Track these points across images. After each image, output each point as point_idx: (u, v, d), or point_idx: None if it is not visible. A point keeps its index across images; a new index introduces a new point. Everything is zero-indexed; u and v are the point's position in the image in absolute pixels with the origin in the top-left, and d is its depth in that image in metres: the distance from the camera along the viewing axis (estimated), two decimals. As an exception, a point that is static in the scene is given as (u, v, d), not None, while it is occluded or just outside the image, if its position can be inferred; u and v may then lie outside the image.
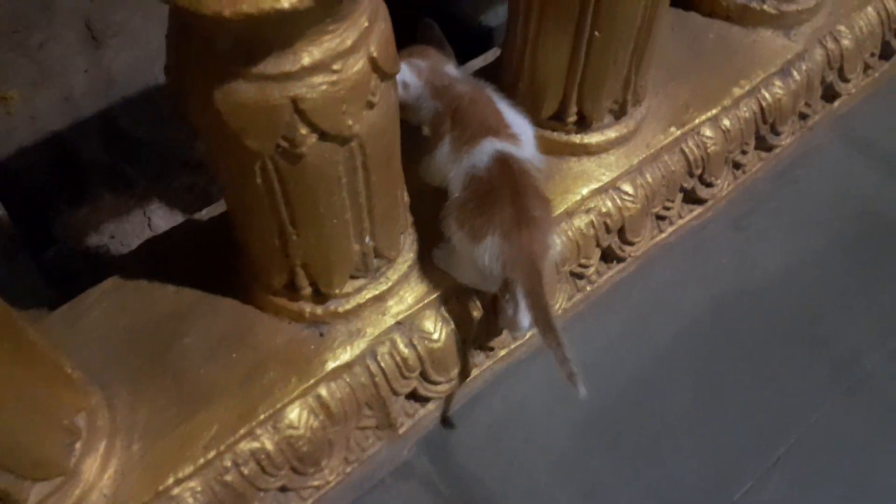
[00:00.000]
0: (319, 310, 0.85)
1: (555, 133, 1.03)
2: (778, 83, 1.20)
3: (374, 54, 0.64)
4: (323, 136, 0.65)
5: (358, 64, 0.63)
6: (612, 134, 1.03)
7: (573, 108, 0.99)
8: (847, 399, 1.03)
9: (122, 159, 1.51)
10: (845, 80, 1.33)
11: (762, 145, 1.26)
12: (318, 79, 0.61)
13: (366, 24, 0.63)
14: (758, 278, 1.16)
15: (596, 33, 0.89)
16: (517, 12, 0.94)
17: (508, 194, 0.80)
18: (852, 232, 1.22)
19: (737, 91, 1.16)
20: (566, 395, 0.82)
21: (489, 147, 0.82)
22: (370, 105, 0.67)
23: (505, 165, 0.82)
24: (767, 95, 1.19)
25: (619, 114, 1.03)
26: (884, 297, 1.14)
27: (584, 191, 1.02)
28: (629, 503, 0.94)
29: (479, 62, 1.32)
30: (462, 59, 1.35)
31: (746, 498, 0.94)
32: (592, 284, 1.11)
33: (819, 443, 0.98)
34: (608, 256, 1.11)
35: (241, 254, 0.85)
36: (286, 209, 0.71)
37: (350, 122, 0.65)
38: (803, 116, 1.30)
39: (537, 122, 1.02)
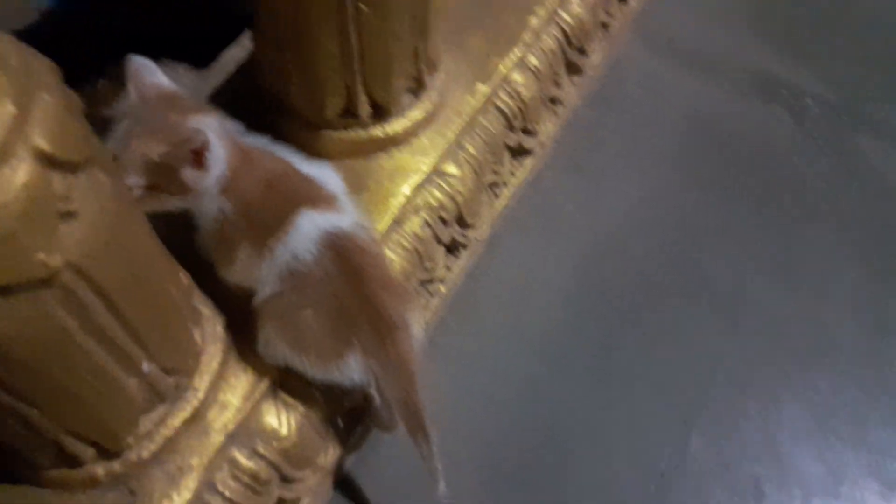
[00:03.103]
0: (117, 465, 0.63)
1: (350, 131, 0.84)
2: (573, -1, 1.08)
3: (45, 147, 0.42)
4: (6, 291, 0.42)
5: (20, 171, 0.41)
6: (416, 114, 0.87)
7: (363, 99, 0.81)
8: (739, 335, 0.98)
9: None
10: (635, -24, 1.23)
11: (573, 70, 1.14)
12: (-41, 219, 0.39)
13: (12, 109, 0.40)
14: (610, 222, 1.07)
15: (362, 6, 0.71)
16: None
17: (358, 302, 0.65)
18: (685, 141, 1.16)
19: (534, 21, 1.03)
20: (454, 438, 0.72)
21: (309, 226, 0.64)
22: (68, 215, 0.45)
23: (340, 256, 0.64)
24: (566, 16, 1.07)
25: (418, 89, 0.86)
26: (733, 204, 1.09)
27: (406, 189, 0.86)
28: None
29: (236, 52, 1.09)
30: (218, 46, 1.11)
31: (672, 468, 0.87)
32: (445, 283, 0.97)
33: (723, 390, 0.93)
34: (452, 248, 0.96)
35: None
36: (9, 395, 0.49)
37: (42, 257, 0.43)
38: (605, 26, 1.19)
39: (325, 123, 0.83)
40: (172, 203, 0.65)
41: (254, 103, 0.83)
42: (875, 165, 1.15)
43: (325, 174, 0.70)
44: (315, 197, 0.66)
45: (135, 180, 0.62)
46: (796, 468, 0.89)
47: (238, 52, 1.09)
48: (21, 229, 0.41)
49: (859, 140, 1.17)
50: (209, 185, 0.63)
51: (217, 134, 0.64)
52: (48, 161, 0.42)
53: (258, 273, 0.66)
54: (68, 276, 0.46)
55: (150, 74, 0.65)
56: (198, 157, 0.62)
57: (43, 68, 0.45)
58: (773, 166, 1.14)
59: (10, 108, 0.40)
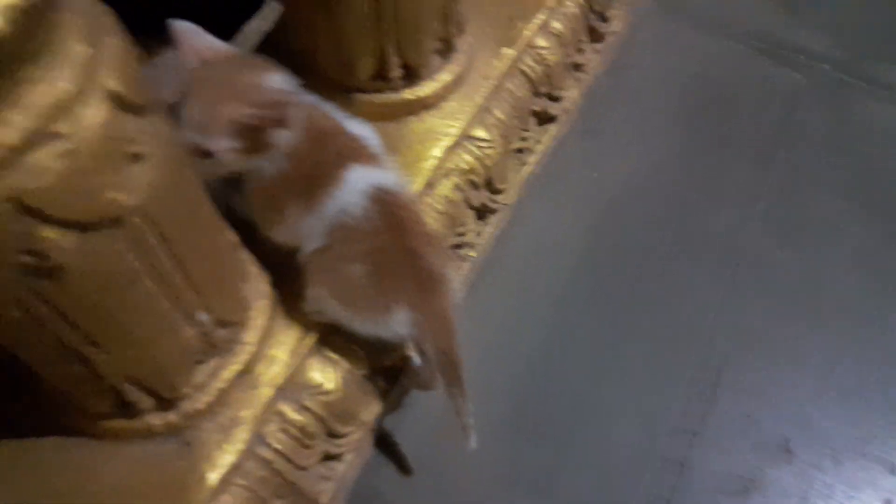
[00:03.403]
0: (172, 416, 0.65)
1: (382, 95, 0.86)
2: (592, -36, 1.09)
3: (116, 87, 0.44)
4: (82, 228, 0.44)
5: (95, 110, 0.42)
6: (446, 77, 0.88)
7: (395, 61, 0.82)
8: (757, 294, 0.98)
9: None
10: (651, -57, 1.24)
11: (595, 37, 1.15)
12: (42, 154, 0.40)
13: (84, 49, 0.42)
14: (628, 187, 1.08)
15: (395, -34, 0.72)
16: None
17: (404, 256, 0.66)
18: (693, 103, 1.17)
19: (556, -14, 1.03)
20: (482, 399, 0.72)
21: (358, 181, 0.66)
22: (137, 157, 0.46)
23: (387, 211, 0.66)
24: (587, -19, 1.08)
25: (446, 51, 0.87)
26: (745, 169, 1.10)
27: (437, 152, 0.87)
28: (577, 490, 0.85)
29: (257, 23, 1.10)
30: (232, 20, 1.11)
31: (703, 426, 0.88)
32: (475, 248, 0.98)
33: (745, 349, 0.93)
34: (482, 213, 0.98)
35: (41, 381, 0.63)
36: (73, 333, 0.50)
37: (115, 195, 0.45)
38: (624, -7, 1.20)
39: (356, 86, 0.84)
40: (252, 164, 0.65)
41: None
42: (881, 125, 1.15)
43: (366, 132, 0.71)
44: (362, 154, 0.68)
45: (227, 143, 0.62)
46: (823, 428, 0.90)
47: (260, 24, 1.11)
48: (97, 168, 0.43)
49: (865, 100, 1.18)
50: (283, 143, 0.64)
51: (290, 89, 0.65)
52: (120, 102, 0.44)
53: (305, 228, 0.67)
54: (137, 218, 0.48)
55: (198, 37, 0.66)
56: (284, 116, 0.63)
57: (104, 13, 0.46)
58: (780, 126, 1.15)
59: (84, 49, 0.42)
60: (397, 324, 0.68)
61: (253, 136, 0.62)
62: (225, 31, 1.20)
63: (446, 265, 0.71)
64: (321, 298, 0.69)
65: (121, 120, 0.44)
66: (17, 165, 0.39)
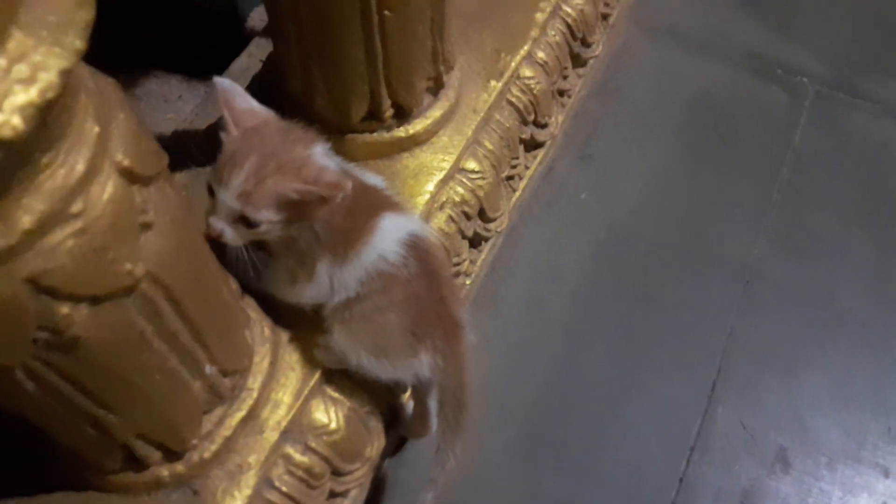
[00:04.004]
0: (180, 467, 0.66)
1: (374, 134, 0.87)
2: (574, -8, 1.11)
3: (125, 162, 0.44)
4: (95, 300, 0.45)
5: (107, 188, 0.43)
6: (436, 113, 0.89)
7: (387, 103, 0.83)
8: (750, 297, 1.01)
9: None
10: (630, -33, 1.26)
11: (578, 62, 1.17)
12: (57, 236, 0.41)
13: (96, 128, 0.43)
14: (622, 206, 1.11)
15: (386, 13, 0.73)
16: (280, 9, 0.75)
17: (435, 303, 0.67)
18: (688, 123, 1.20)
19: (539, 17, 1.05)
20: (493, 425, 0.76)
21: (394, 230, 0.66)
22: (146, 227, 0.47)
23: (421, 258, 0.67)
24: (569, 10, 1.10)
25: (436, 89, 0.88)
26: (739, 181, 1.13)
27: (430, 186, 0.88)
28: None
29: (244, 61, 1.11)
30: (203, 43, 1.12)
31: (701, 440, 0.90)
32: (470, 277, 0.99)
33: (743, 362, 0.96)
34: (475, 241, 0.99)
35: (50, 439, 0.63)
36: (85, 398, 0.51)
37: (128, 267, 0.46)
38: (605, 17, 1.22)
39: (349, 127, 0.86)
40: (289, 232, 0.64)
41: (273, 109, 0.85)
42: (871, 136, 1.19)
43: (379, 182, 0.72)
44: (388, 202, 0.69)
45: (273, 215, 0.61)
46: (818, 436, 0.93)
47: (247, 62, 1.12)
48: (109, 243, 0.44)
49: (854, 113, 1.21)
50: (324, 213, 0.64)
51: (330, 161, 0.66)
52: (129, 177, 0.45)
53: (338, 281, 0.67)
54: (146, 284, 0.49)
55: (241, 100, 0.64)
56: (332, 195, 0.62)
57: (112, 88, 0.47)
58: (775, 143, 1.18)
59: (94, 128, 0.43)
60: (420, 367, 0.69)
61: (298, 209, 0.62)
62: (207, 66, 1.21)
63: (461, 307, 0.72)
64: (348, 347, 0.69)
65: (131, 193, 0.45)
66: (33, 248, 0.40)
